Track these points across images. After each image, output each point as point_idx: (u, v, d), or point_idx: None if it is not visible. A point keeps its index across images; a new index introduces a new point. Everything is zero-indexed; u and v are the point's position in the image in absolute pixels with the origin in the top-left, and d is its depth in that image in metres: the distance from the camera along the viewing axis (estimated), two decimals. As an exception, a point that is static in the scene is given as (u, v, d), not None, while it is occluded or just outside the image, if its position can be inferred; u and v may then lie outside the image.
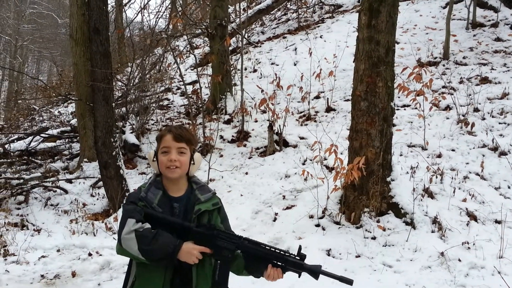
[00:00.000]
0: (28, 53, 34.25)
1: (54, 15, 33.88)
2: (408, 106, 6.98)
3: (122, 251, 1.80)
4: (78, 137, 7.63)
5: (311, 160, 6.10)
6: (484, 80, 7.29)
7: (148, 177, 6.28)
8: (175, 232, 1.80)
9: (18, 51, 31.25)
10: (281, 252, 1.84)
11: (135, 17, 13.72)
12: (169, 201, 1.90)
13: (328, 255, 4.26)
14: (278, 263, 1.83)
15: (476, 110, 6.51)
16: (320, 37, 10.73)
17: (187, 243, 1.78)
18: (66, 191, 6.37)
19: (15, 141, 8.54)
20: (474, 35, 8.96)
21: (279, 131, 6.69)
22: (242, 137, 7.21)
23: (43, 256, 4.66)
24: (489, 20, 9.37)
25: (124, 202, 1.92)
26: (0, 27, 32.18)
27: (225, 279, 1.85)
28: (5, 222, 5.47)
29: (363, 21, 4.77)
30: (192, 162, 1.96)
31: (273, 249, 1.85)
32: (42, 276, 4.31)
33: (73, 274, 4.31)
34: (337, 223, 4.75)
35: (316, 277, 1.81)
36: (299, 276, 1.87)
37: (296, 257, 1.84)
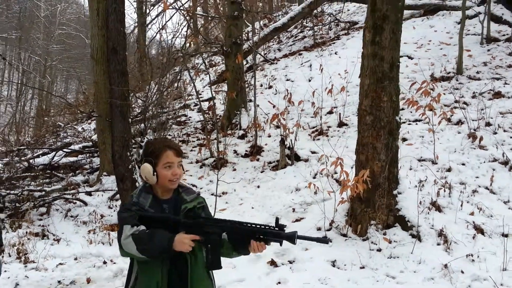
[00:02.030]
0: (57, 72, 35.47)
1: (82, 36, 35.08)
2: (419, 120, 7.03)
3: (125, 254, 2.01)
4: (98, 152, 7.92)
5: (321, 174, 6.21)
6: (497, 95, 7.30)
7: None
8: (168, 228, 2.00)
9: (48, 70, 32.42)
10: (261, 227, 2.02)
11: (153, 37, 14.15)
12: (159, 203, 2.11)
13: (333, 266, 4.34)
14: (260, 236, 2.01)
15: (488, 124, 6.52)
16: (335, 53, 10.89)
17: (179, 234, 1.98)
18: (85, 203, 6.62)
19: (40, 156, 8.92)
20: (488, 50, 8.97)
21: (291, 146, 6.84)
22: (255, 151, 7.38)
23: (60, 264, 4.89)
24: (504, 35, 9.37)
25: (119, 210, 2.11)
26: (31, 47, 33.51)
27: (217, 261, 2.05)
28: (27, 232, 5.74)
29: (368, 38, 4.92)
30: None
31: (254, 225, 2.03)
32: (59, 282, 4.52)
33: (88, 281, 4.51)
34: (344, 235, 4.84)
35: (294, 242, 1.99)
36: (280, 245, 2.04)
37: (276, 229, 2.02)
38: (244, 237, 2.02)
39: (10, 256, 5.24)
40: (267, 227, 2.03)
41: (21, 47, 33.50)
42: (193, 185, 6.62)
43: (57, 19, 33.87)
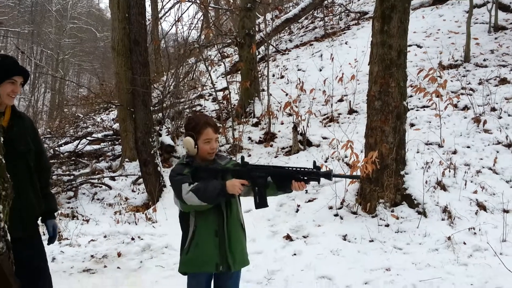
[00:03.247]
0: (69, 66, 36.01)
1: (93, 29, 35.56)
2: (427, 107, 7.31)
3: (188, 207, 2.41)
4: (120, 140, 8.33)
5: (332, 157, 6.54)
6: (503, 81, 7.54)
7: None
8: (217, 178, 2.41)
9: (60, 64, 32.96)
10: (300, 169, 2.39)
11: (170, 29, 14.49)
12: None
13: (344, 239, 4.69)
14: (300, 177, 2.37)
15: (493, 109, 6.78)
16: (346, 43, 11.15)
17: (229, 180, 2.37)
18: (110, 187, 7.04)
19: (63, 145, 9.37)
20: (496, 38, 9.17)
21: (303, 132, 7.17)
22: (269, 138, 7.72)
23: (92, 240, 5.31)
24: (511, 23, 9.54)
25: (171, 175, 2.49)
26: (43, 42, 34.08)
27: (264, 200, 2.45)
28: (58, 213, 6.17)
29: (376, 27, 5.21)
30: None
31: (294, 168, 2.41)
32: (92, 256, 4.94)
33: (119, 254, 4.92)
34: (354, 213, 5.17)
35: (330, 178, 2.36)
36: (318, 182, 2.45)
37: (313, 169, 2.38)
38: (286, 179, 2.38)
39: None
40: (306, 169, 2.39)
41: (33, 41, 34.11)
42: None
43: (68, 13, 34.32)
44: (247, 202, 2.86)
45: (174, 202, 2.55)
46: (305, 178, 2.37)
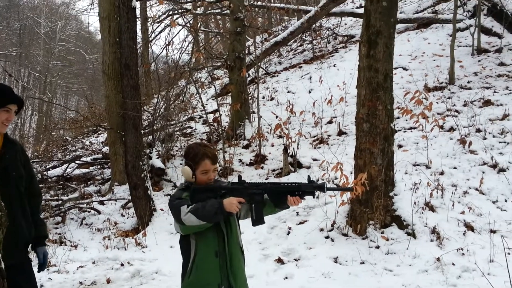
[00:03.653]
0: (56, 88, 35.88)
1: (82, 51, 35.61)
2: (414, 128, 7.43)
3: (187, 228, 2.44)
4: (109, 163, 8.31)
5: (322, 179, 6.58)
6: (487, 103, 7.71)
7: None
8: (216, 197, 2.46)
9: (47, 87, 32.83)
10: (295, 184, 2.45)
11: (160, 53, 14.62)
12: None
13: (335, 262, 4.70)
14: (295, 192, 2.43)
15: (478, 130, 6.92)
16: (334, 65, 11.33)
17: (226, 198, 2.42)
18: (99, 212, 6.99)
19: (50, 169, 9.30)
20: (479, 61, 9.41)
21: (294, 154, 7.23)
22: (259, 160, 7.76)
23: (81, 266, 5.25)
24: (493, 46, 9.83)
25: (170, 201, 2.53)
26: (31, 64, 34.03)
27: (261, 217, 2.49)
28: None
29: (363, 52, 5.34)
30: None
31: (289, 183, 2.47)
32: (80, 282, 4.88)
33: (108, 281, 4.86)
34: (345, 234, 5.20)
35: (324, 191, 2.40)
36: (313, 196, 2.49)
37: (307, 183, 2.44)
38: (282, 194, 2.44)
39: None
40: (299, 183, 2.44)
41: (21, 63, 34.06)
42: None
43: (57, 36, 34.36)
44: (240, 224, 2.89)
45: (174, 228, 2.59)
46: (300, 192, 2.43)
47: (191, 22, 11.58)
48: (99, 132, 12.83)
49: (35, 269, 2.87)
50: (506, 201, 5.42)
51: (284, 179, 6.97)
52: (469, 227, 4.97)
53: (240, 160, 7.96)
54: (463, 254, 4.49)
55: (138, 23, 11.87)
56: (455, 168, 6.20)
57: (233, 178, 7.38)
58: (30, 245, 2.87)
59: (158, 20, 12.41)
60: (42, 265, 2.93)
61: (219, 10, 11.88)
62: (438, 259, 4.40)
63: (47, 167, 9.51)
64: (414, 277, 4.20)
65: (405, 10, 13.15)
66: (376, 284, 4.15)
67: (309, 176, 2.50)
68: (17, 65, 34.28)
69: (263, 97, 10.71)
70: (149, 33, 14.29)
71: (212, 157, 2.54)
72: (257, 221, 2.50)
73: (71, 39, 36.14)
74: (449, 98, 8.19)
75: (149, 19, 13.85)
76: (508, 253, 4.36)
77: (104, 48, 7.77)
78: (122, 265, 5.28)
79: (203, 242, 2.48)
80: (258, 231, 5.74)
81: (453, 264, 4.33)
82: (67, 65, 34.66)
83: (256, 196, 2.47)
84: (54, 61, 33.87)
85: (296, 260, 4.88)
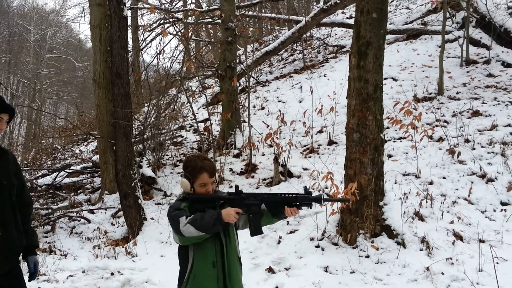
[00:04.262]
0: (46, 96, 35.63)
1: (72, 59, 35.46)
2: (403, 138, 7.51)
3: (185, 239, 2.45)
4: (99, 172, 8.26)
5: (313, 188, 6.62)
6: (475, 113, 7.82)
7: (163, 207, 6.88)
8: (214, 208, 2.49)
9: (37, 94, 32.60)
10: (292, 195, 2.48)
11: (151, 61, 14.63)
12: None
13: (326, 271, 4.72)
14: (292, 203, 2.46)
15: (466, 141, 7.01)
16: (324, 75, 11.43)
17: (224, 209, 2.43)
18: (89, 221, 6.94)
19: (40, 177, 9.23)
20: (468, 72, 9.55)
21: (284, 163, 7.25)
22: (250, 169, 7.78)
23: (70, 276, 5.21)
24: (482, 58, 9.98)
25: (169, 211, 2.55)
26: (20, 71, 33.79)
27: (258, 227, 2.52)
28: (35, 248, 6.04)
29: (353, 63, 5.41)
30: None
31: (286, 194, 2.50)
32: (70, 292, 4.84)
33: (98, 290, 4.83)
34: (335, 244, 5.22)
35: (321, 203, 2.44)
36: (310, 207, 2.51)
37: (304, 195, 2.47)
38: (279, 205, 2.47)
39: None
40: (296, 194, 2.48)
41: (10, 71, 33.81)
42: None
43: (47, 43, 34.20)
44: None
45: (173, 239, 2.60)
46: (297, 203, 2.46)
47: (182, 31, 11.63)
48: (89, 141, 12.77)
49: (26, 278, 2.86)
50: (494, 210, 5.48)
51: (274, 188, 6.99)
52: (458, 236, 5.02)
53: (231, 169, 7.96)
54: (452, 263, 4.53)
55: (129, 31, 11.91)
56: (444, 178, 6.26)
57: (224, 187, 7.39)
58: (21, 254, 2.86)
59: (149, 28, 12.44)
60: (33, 274, 2.92)
61: (210, 20, 11.97)
62: (427, 268, 4.44)
63: (37, 175, 9.44)
64: (404, 286, 4.23)
65: (395, 21, 13.33)
66: (366, 294, 4.17)
67: (305, 187, 2.54)
68: (6, 73, 33.99)
69: (254, 107, 10.76)
70: (140, 42, 14.30)
71: (210, 171, 2.55)
72: (255, 231, 2.53)
73: (61, 47, 36.00)
74: (438, 108, 8.29)
75: (140, 28, 13.85)
76: (497, 263, 4.41)
77: (95, 56, 7.76)
78: (112, 274, 5.25)
79: (200, 252, 2.49)
80: (248, 240, 5.71)
81: (442, 273, 4.36)
82: (56, 72, 34.48)
83: (253, 206, 2.50)
84: (44, 68, 33.66)
85: (286, 269, 4.88)
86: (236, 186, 2.63)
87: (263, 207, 2.53)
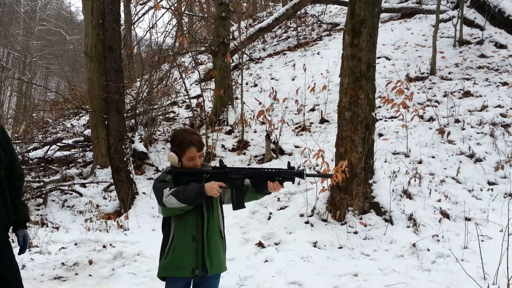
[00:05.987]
0: (36, 68, 35.13)
1: (62, 32, 34.84)
2: (395, 117, 7.57)
3: (167, 210, 2.49)
4: (91, 146, 8.25)
5: (304, 166, 6.68)
6: (467, 94, 7.88)
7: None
8: (198, 181, 2.50)
9: (27, 67, 32.12)
10: (275, 170, 2.50)
11: (144, 36, 14.45)
12: None
13: (314, 246, 4.81)
14: (275, 178, 2.48)
15: (457, 121, 7.08)
16: (318, 53, 11.39)
17: (208, 182, 2.47)
18: (81, 194, 6.97)
19: (31, 150, 9.20)
20: (460, 52, 9.58)
21: (276, 140, 7.29)
22: (242, 146, 7.82)
23: (63, 248, 5.26)
24: (475, 38, 10.00)
25: (154, 183, 2.58)
26: (10, 43, 33.17)
27: (241, 201, 2.57)
28: (27, 221, 6.07)
29: (347, 41, 5.40)
30: None
31: (269, 169, 2.52)
32: (62, 263, 4.90)
33: (90, 262, 4.89)
34: (324, 220, 5.31)
35: (303, 177, 2.47)
36: (293, 182, 2.52)
37: (287, 170, 2.49)
38: (262, 180, 2.49)
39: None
40: (279, 169, 2.49)
41: (0, 42, 33.18)
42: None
43: (37, 15, 33.54)
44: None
45: (158, 211, 2.64)
46: (280, 178, 2.47)
47: (175, 5, 11.46)
48: (80, 115, 12.68)
49: (16, 251, 2.88)
50: (481, 190, 5.60)
51: (266, 165, 7.04)
52: (445, 214, 5.13)
53: (223, 146, 8.00)
54: (438, 240, 4.64)
55: (122, 4, 11.70)
56: (433, 157, 6.35)
57: (216, 163, 7.43)
58: (11, 227, 2.87)
59: (142, 2, 12.24)
60: (23, 248, 2.94)
61: (204, -6, 11.76)
62: (414, 245, 4.55)
63: (28, 148, 9.41)
64: (390, 262, 4.34)
65: (390, 0, 13.24)
66: (353, 268, 4.27)
67: (289, 162, 2.55)
68: (-5, 44, 33.39)
69: (247, 83, 10.73)
70: (132, 15, 14.09)
71: (198, 145, 2.57)
72: (237, 205, 2.56)
73: (51, 19, 35.34)
74: (430, 88, 8.34)
75: (133, 1, 13.63)
76: (482, 240, 4.53)
77: (87, 29, 7.66)
78: (104, 247, 5.31)
79: (181, 225, 2.53)
80: (239, 215, 5.81)
81: (428, 250, 4.47)
82: (47, 45, 33.92)
83: (236, 180, 2.52)
84: (34, 41, 33.10)
85: (276, 244, 4.97)
86: (220, 161, 2.65)
87: (248, 182, 2.55)
